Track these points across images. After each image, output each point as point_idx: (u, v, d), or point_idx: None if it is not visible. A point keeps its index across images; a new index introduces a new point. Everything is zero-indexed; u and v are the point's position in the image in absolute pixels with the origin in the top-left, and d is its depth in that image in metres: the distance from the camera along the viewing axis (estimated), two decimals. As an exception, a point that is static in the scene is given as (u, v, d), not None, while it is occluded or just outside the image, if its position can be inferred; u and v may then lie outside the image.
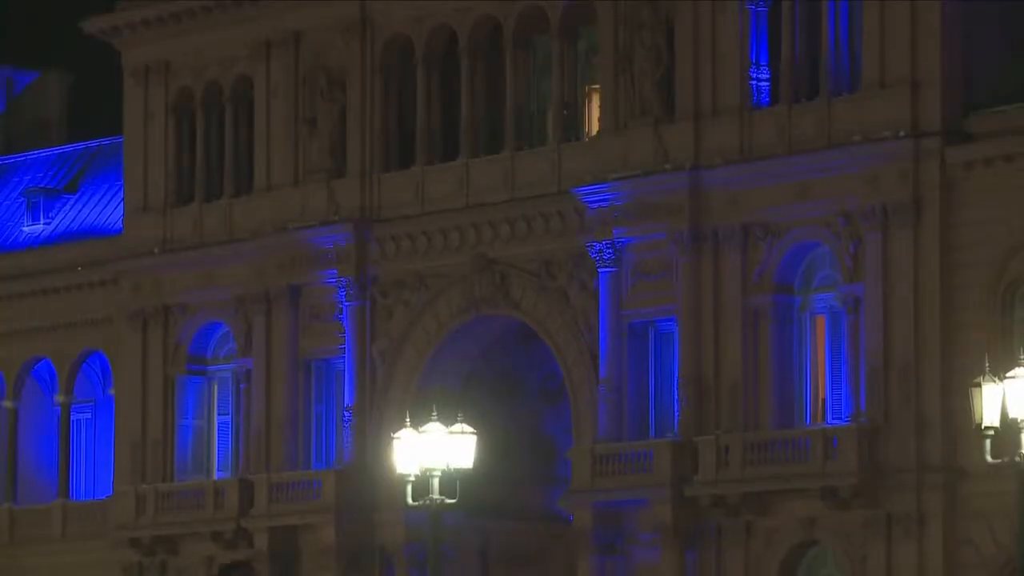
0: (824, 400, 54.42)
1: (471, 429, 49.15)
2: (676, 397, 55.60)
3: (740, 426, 54.31)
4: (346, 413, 60.32)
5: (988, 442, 40.58)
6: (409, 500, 49.74)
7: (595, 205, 56.41)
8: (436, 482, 48.90)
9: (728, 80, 55.29)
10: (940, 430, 50.44)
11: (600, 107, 57.93)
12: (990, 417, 40.59)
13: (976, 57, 52.43)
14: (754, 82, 55.21)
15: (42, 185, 70.14)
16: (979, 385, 40.99)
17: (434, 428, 49.48)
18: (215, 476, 63.27)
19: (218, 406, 64.30)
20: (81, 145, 70.68)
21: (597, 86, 58.14)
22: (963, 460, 48.23)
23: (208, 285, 63.43)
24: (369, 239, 60.38)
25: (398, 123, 60.99)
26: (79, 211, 68.90)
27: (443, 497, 48.70)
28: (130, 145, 65.78)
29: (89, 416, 67.21)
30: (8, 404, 68.08)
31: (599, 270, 56.59)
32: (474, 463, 49.05)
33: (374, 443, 56.57)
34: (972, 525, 50.08)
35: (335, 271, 60.83)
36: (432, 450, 49.25)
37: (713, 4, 55.29)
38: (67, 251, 68.17)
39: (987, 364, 41.48)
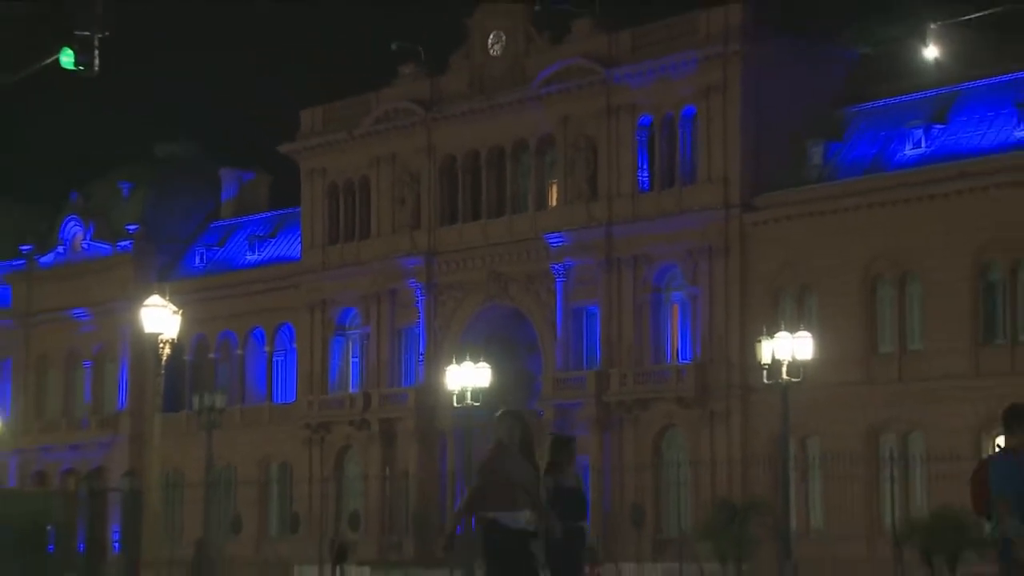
0: (677, 349, 54.28)
1: (487, 366, 49.87)
2: (598, 348, 55.61)
3: (633, 363, 54.26)
4: (420, 357, 60.29)
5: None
6: (455, 403, 50.53)
7: (555, 244, 56.23)
8: (469, 394, 49.58)
9: (626, 176, 55.13)
10: (739, 366, 50.52)
11: (557, 192, 57.82)
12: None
13: (762, 160, 52.15)
14: (640, 177, 55.03)
15: (257, 234, 70.08)
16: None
17: (468, 365, 50.27)
18: (350, 391, 63.05)
19: (352, 353, 64.03)
20: (279, 212, 70.57)
21: (556, 180, 57.91)
22: (751, 382, 48.07)
23: (347, 288, 63.12)
24: (433, 263, 60.14)
25: (449, 200, 60.63)
26: (280, 248, 68.76)
27: (474, 402, 49.42)
28: (304, 213, 65.56)
29: (283, 359, 66.93)
30: (239, 352, 68.15)
31: (557, 280, 56.44)
32: (489, 384, 49.84)
33: (436, 373, 56.34)
34: (756, 419, 50.00)
35: (415, 280, 60.70)
36: (467, 377, 50.04)
37: (619, 137, 55.23)
38: (268, 270, 67.82)
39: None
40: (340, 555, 52.58)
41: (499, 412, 13.43)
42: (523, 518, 12.59)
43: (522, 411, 13.72)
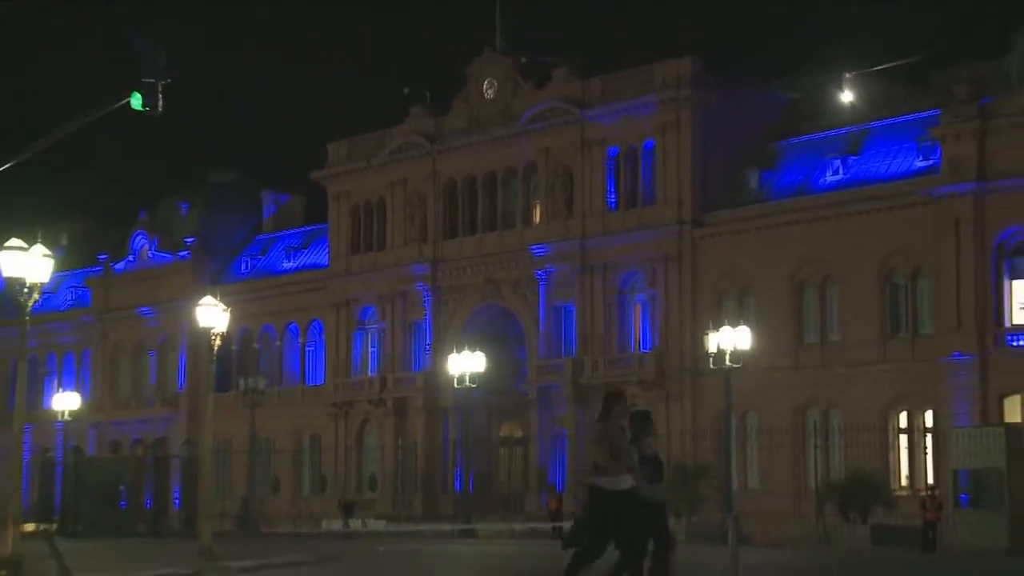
0: (639, 340, 54.15)
1: (482, 354, 49.85)
2: (574, 339, 55.50)
3: (602, 352, 54.20)
4: (427, 347, 60.22)
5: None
6: (455, 385, 50.46)
7: (539, 254, 56.18)
8: (467, 377, 49.56)
9: (596, 198, 55.07)
10: (690, 354, 50.46)
11: (540, 211, 57.66)
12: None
13: (709, 185, 52.08)
14: (608, 198, 54.92)
15: (292, 245, 69.95)
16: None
17: (466, 354, 50.22)
18: (369, 375, 62.86)
19: (371, 344, 63.79)
20: (310, 227, 70.34)
21: (538, 201, 57.69)
22: (700, 367, 48.10)
23: (367, 290, 63.04)
24: (438, 270, 60.12)
25: (450, 218, 60.53)
26: (311, 257, 68.46)
27: (471, 384, 49.42)
28: (331, 228, 65.37)
29: (313, 348, 66.75)
30: (277, 343, 68.09)
31: (540, 283, 56.43)
32: (484, 369, 49.82)
33: (440, 359, 56.26)
34: (704, 398, 49.93)
35: (422, 284, 60.62)
36: (465, 363, 49.96)
37: (591, 165, 55.22)
38: (301, 275, 67.48)
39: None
40: (347, 510, 53.11)
41: (608, 392, 13.40)
42: (625, 482, 12.81)
43: (624, 389, 13.79)
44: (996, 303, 43.12)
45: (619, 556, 12.91)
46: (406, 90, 61.90)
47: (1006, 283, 43.33)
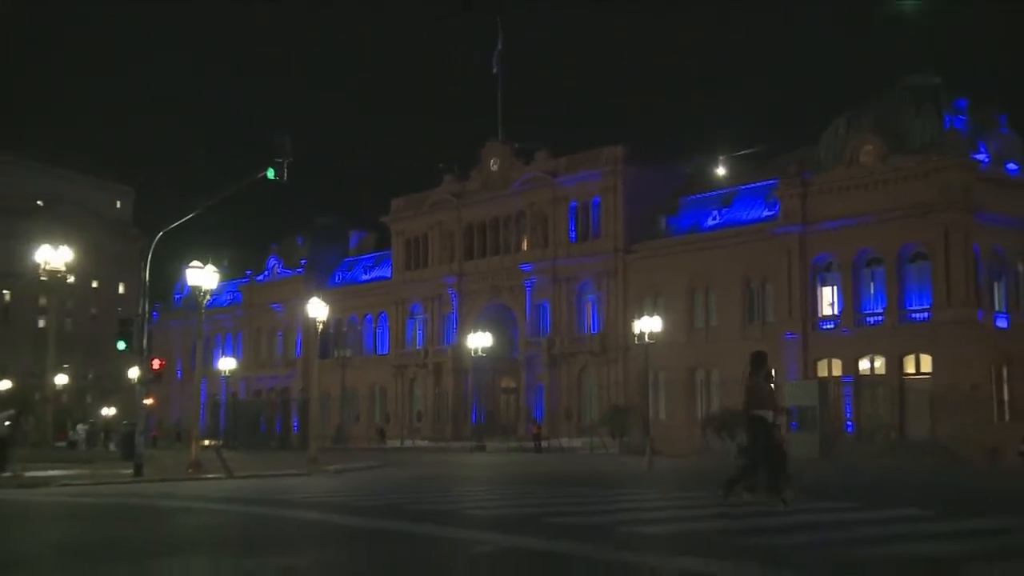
0: (591, 325, 53.77)
1: (489, 334, 49.76)
2: (549, 324, 55.29)
3: (567, 333, 54.09)
4: (455, 330, 60.13)
5: (636, 337, 41.31)
6: (472, 354, 50.45)
7: (526, 270, 56.11)
8: (480, 350, 49.56)
9: (563, 234, 54.95)
10: (623, 334, 50.30)
11: (527, 243, 57.40)
12: (637, 330, 41.05)
13: (634, 226, 51.94)
14: (571, 235, 54.80)
15: (368, 265, 69.53)
16: (634, 321, 41.64)
17: (479, 334, 50.16)
18: (417, 347, 62.58)
19: (419, 328, 63.39)
20: (379, 253, 69.66)
21: (526, 236, 57.35)
22: (629, 343, 47.90)
23: (416, 294, 62.87)
24: (461, 281, 60.07)
25: (469, 247, 60.21)
26: (380, 272, 67.86)
27: (482, 353, 49.44)
28: (393, 254, 64.59)
29: (382, 330, 66.26)
30: (359, 327, 67.54)
31: (527, 289, 56.23)
32: (491, 344, 49.73)
33: (462, 338, 56.30)
34: (632, 362, 49.40)
35: (452, 289, 60.59)
36: (479, 340, 49.95)
37: (559, 214, 55.13)
38: (374, 284, 66.70)
39: (636, 315, 42.29)
40: (381, 434, 53.69)
41: (756, 352, 12.45)
42: (771, 415, 12.18)
43: (764, 351, 12.68)
44: (812, 302, 43.76)
45: (769, 468, 11.89)
46: (441, 165, 62.51)
47: (819, 289, 43.98)
